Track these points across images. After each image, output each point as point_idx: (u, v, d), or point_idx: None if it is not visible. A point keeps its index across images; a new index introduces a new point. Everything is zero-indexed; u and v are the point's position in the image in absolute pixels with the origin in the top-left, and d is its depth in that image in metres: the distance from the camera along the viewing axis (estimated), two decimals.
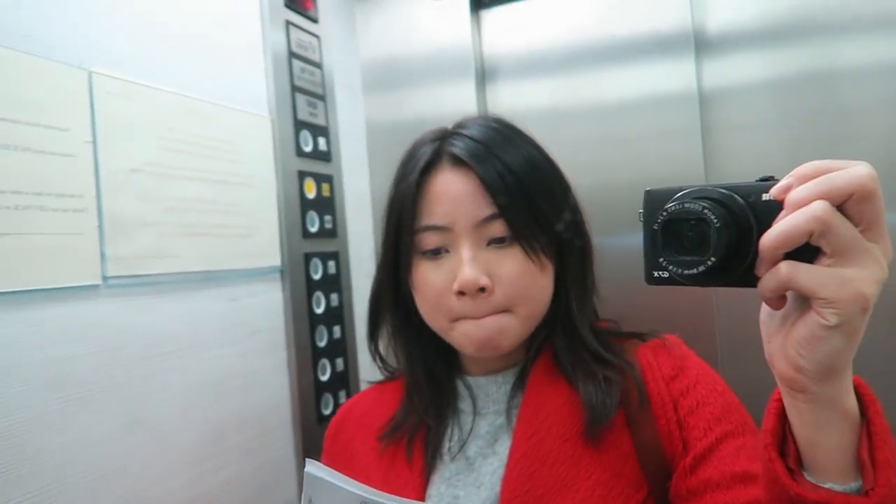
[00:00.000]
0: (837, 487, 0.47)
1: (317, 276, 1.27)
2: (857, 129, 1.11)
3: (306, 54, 1.29)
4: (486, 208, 0.75)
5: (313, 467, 0.58)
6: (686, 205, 0.46)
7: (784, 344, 0.46)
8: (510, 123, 0.82)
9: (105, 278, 0.86)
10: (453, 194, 0.76)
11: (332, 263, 1.30)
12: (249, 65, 1.17)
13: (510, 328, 0.77)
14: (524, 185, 0.76)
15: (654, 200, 0.50)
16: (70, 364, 0.82)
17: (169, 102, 0.98)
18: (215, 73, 1.09)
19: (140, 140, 0.93)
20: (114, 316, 0.87)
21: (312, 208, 1.26)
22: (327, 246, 1.30)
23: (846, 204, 0.42)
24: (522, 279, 0.76)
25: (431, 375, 0.86)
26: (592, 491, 0.70)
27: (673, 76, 1.22)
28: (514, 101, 1.35)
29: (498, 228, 0.75)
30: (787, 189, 0.44)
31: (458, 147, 0.77)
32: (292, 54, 1.25)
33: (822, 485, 0.47)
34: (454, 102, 1.10)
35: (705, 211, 0.45)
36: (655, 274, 0.49)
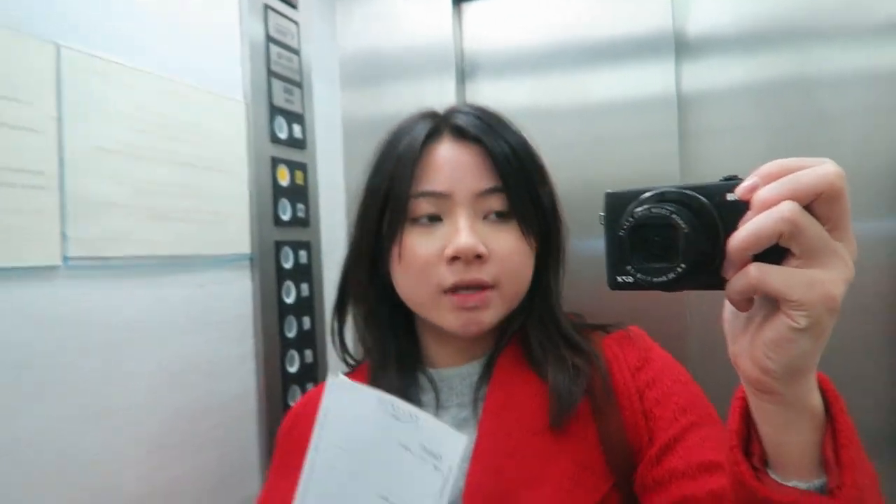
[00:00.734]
0: (801, 485, 0.47)
1: (287, 266, 1.25)
2: (833, 135, 1.13)
3: (284, 40, 1.26)
4: (488, 180, 0.76)
5: (335, 379, 0.63)
6: (653, 210, 0.45)
7: (751, 346, 0.45)
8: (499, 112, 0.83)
9: (66, 259, 0.83)
10: (455, 163, 0.77)
11: (303, 253, 1.28)
12: (225, 47, 1.14)
13: (495, 305, 0.77)
14: (524, 165, 0.78)
15: (615, 203, 0.49)
16: (27, 349, 0.79)
17: (141, 82, 0.95)
18: (190, 53, 1.06)
19: (109, 119, 0.90)
20: (75, 299, 0.84)
21: (285, 196, 1.24)
22: (299, 235, 1.28)
23: (814, 203, 0.42)
24: (515, 256, 0.77)
25: (401, 364, 0.85)
26: (560, 484, 0.69)
27: (652, 78, 1.23)
28: (493, 98, 1.31)
29: (497, 202, 0.77)
30: (753, 189, 0.43)
31: (462, 120, 0.78)
32: (270, 39, 1.22)
33: (786, 483, 0.47)
34: (434, 98, 1.09)
35: (673, 216, 0.44)
36: (619, 279, 0.48)
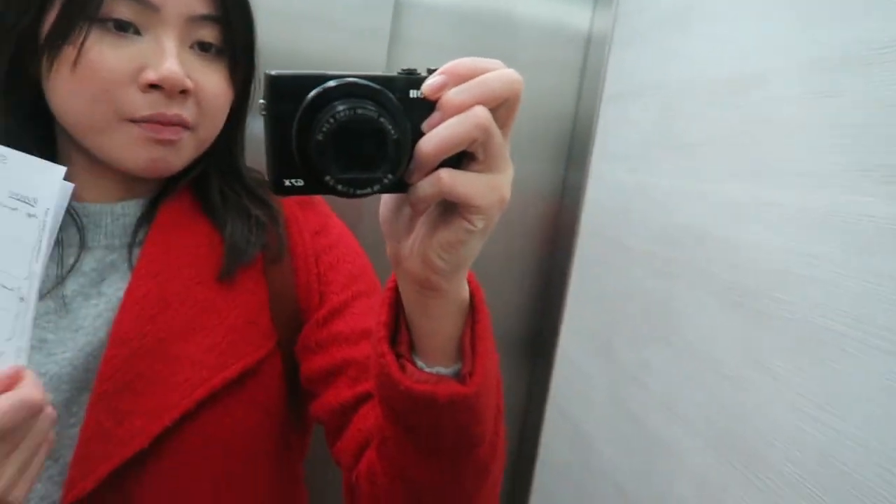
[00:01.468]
0: (443, 371, 0.49)
1: None
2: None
3: None
4: (207, 5, 0.64)
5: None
6: (359, 111, 0.38)
7: (421, 246, 0.45)
8: None
9: None
10: None
11: None
12: None
13: (186, 147, 0.67)
14: None
15: (282, 89, 0.40)
16: None
17: None
18: None
19: None
20: None
21: None
22: None
23: (496, 109, 0.41)
24: (220, 99, 0.67)
25: None
26: (223, 337, 0.66)
27: None
28: None
29: (210, 33, 0.65)
30: (441, 87, 0.40)
31: None
32: None
33: (430, 369, 0.49)
34: None
35: (381, 119, 0.39)
36: (287, 182, 0.41)
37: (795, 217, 0.72)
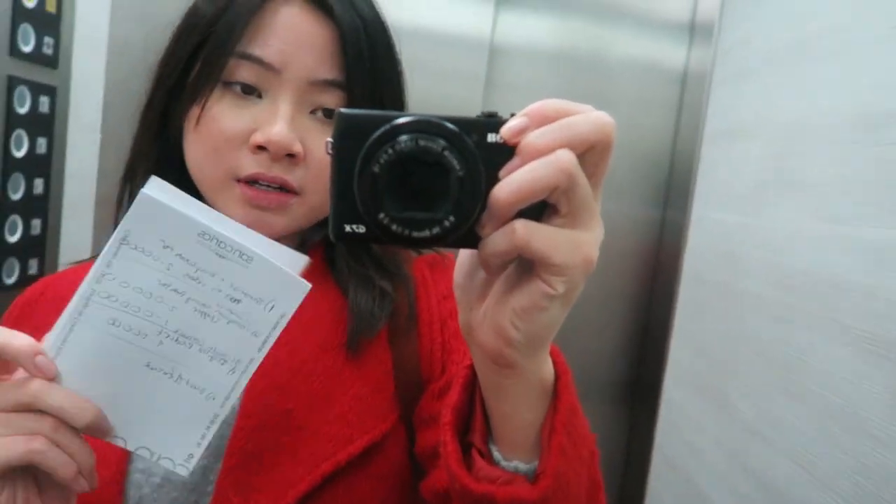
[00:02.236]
0: (521, 466, 0.43)
1: (22, 110, 1.03)
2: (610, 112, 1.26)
3: None
4: (330, 70, 0.63)
5: (155, 188, 0.47)
6: (421, 142, 0.35)
7: (494, 314, 0.39)
8: None
9: None
10: (300, 35, 0.62)
11: (45, 100, 1.07)
12: None
13: (293, 213, 0.65)
14: (377, 57, 0.65)
15: (352, 127, 0.37)
16: None
17: None
18: None
19: None
20: None
21: (29, 20, 1.01)
22: (43, 76, 1.07)
23: (584, 155, 0.36)
24: None
25: None
26: (350, 407, 0.63)
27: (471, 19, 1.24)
28: None
29: (332, 99, 0.64)
30: (522, 131, 0.36)
31: None
32: None
33: (507, 462, 0.44)
34: None
35: (446, 153, 0.35)
36: (348, 228, 0.37)
37: None
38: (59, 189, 1.14)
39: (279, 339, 0.64)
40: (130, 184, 0.73)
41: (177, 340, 0.49)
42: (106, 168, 1.17)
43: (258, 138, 0.61)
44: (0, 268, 1.04)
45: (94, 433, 0.49)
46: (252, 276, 0.49)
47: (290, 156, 0.62)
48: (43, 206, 1.11)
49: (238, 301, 0.49)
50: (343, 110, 0.37)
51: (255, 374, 0.62)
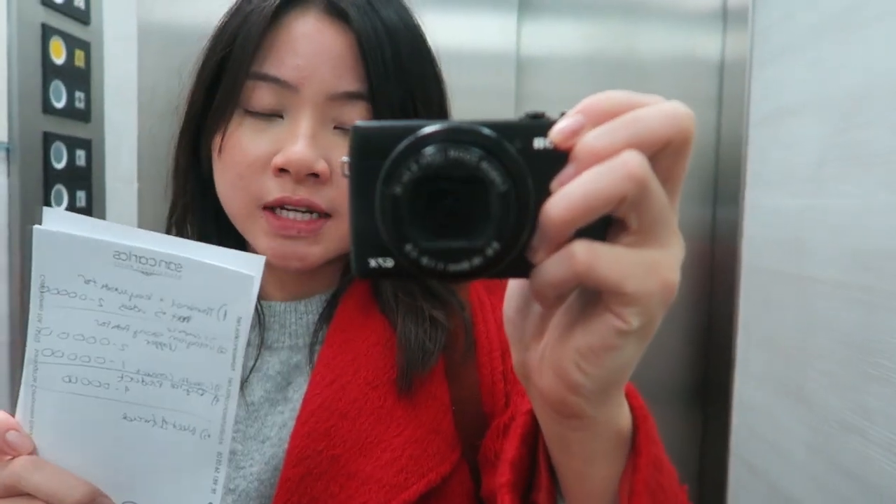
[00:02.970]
0: None
1: (59, 165, 1.04)
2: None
3: None
4: (351, 82, 0.58)
5: (51, 219, 0.42)
6: (451, 153, 0.28)
7: (554, 355, 0.32)
8: None
9: None
10: (316, 48, 0.58)
11: (81, 153, 1.08)
12: None
13: (328, 238, 0.60)
14: (402, 63, 0.60)
15: (369, 143, 0.30)
16: None
17: None
18: None
19: None
20: None
21: (59, 77, 1.02)
22: (77, 130, 1.07)
23: (656, 156, 0.29)
24: None
25: None
26: (403, 450, 0.58)
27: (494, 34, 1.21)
28: None
29: (357, 112, 0.59)
30: (576, 132, 0.29)
31: None
32: None
33: None
34: None
35: (483, 164, 0.28)
36: (373, 263, 0.30)
37: None
38: None
39: (324, 377, 0.60)
40: (176, 226, 0.70)
41: (143, 382, 0.44)
42: (145, 216, 1.18)
43: (278, 160, 0.57)
44: None
45: None
46: (189, 284, 0.43)
47: (315, 175, 0.57)
48: None
49: (187, 319, 0.44)
50: (359, 124, 0.30)
51: (301, 418, 0.58)
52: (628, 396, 0.37)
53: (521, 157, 0.29)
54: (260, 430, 0.61)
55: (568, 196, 0.28)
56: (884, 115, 0.83)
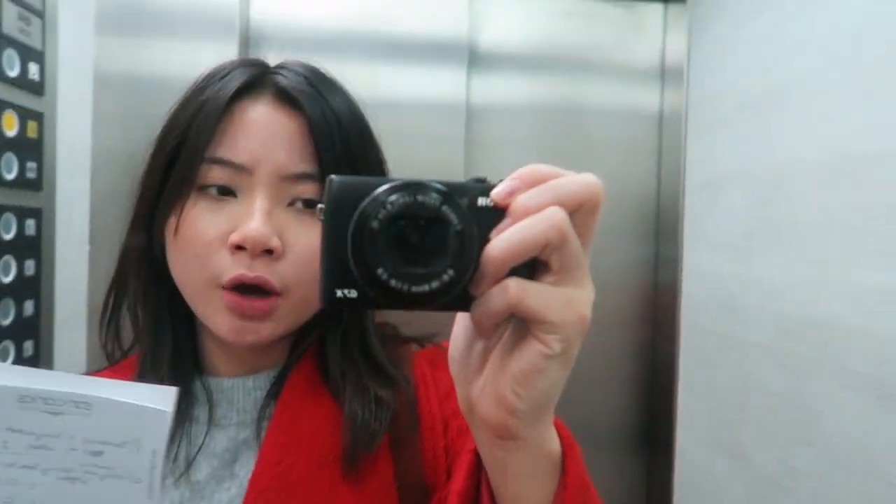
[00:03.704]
0: None
1: (8, 236, 1.03)
2: (594, 161, 1.26)
3: None
4: (302, 163, 0.63)
5: None
6: (419, 198, 0.36)
7: (494, 384, 0.39)
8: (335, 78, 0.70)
9: None
10: (269, 132, 0.62)
11: (30, 222, 1.07)
12: None
13: (280, 317, 0.64)
14: (349, 145, 0.65)
15: (343, 193, 0.37)
16: None
17: None
18: None
19: None
20: None
21: (10, 149, 1.02)
22: (27, 200, 1.07)
23: (573, 214, 0.37)
24: (316, 259, 0.63)
25: (175, 366, 0.68)
26: None
27: (444, 84, 1.25)
28: None
29: (308, 190, 0.63)
30: (513, 193, 0.37)
31: (287, 80, 0.65)
32: None
33: None
34: (208, 64, 0.97)
35: (444, 207, 0.36)
36: (339, 293, 0.37)
37: None
38: (49, 309, 1.13)
39: (272, 457, 0.62)
40: (115, 303, 0.72)
41: None
42: (97, 278, 1.17)
43: (235, 238, 0.60)
44: None
45: None
46: (100, 421, 0.44)
47: (269, 252, 0.61)
48: (34, 328, 1.10)
49: (100, 453, 0.44)
50: (335, 177, 0.38)
51: (249, 497, 0.61)
52: (557, 428, 0.43)
53: (469, 211, 0.37)
54: None
55: (506, 239, 0.35)
56: (804, 194, 0.90)
